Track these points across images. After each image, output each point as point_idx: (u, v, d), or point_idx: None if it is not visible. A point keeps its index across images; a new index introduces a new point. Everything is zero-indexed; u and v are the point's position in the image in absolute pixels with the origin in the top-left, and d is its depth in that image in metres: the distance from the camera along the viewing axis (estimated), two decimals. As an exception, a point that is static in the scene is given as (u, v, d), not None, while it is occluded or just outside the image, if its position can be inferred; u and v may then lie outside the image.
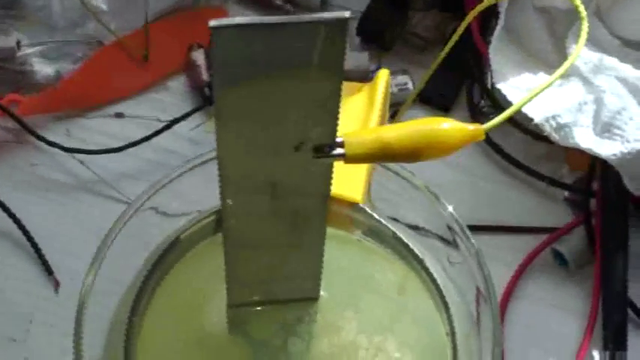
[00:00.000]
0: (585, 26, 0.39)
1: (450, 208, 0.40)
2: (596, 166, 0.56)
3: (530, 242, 0.58)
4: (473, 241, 0.39)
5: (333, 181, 0.35)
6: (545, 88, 0.36)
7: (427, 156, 0.33)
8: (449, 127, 0.34)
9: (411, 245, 0.42)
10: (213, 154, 0.33)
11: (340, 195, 0.40)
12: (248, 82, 0.30)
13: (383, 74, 0.43)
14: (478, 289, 0.40)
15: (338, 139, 0.33)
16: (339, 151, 0.33)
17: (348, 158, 0.33)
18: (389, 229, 0.42)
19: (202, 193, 0.41)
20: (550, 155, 0.61)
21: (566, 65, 0.36)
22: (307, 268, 0.40)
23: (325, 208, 0.36)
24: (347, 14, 0.28)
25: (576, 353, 0.53)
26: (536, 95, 0.36)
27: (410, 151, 0.33)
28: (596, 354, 0.54)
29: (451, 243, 0.40)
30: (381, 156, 0.33)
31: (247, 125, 0.32)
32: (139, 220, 0.41)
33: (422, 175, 0.60)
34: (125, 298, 0.41)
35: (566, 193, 0.60)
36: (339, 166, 0.34)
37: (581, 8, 0.40)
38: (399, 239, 0.42)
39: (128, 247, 0.41)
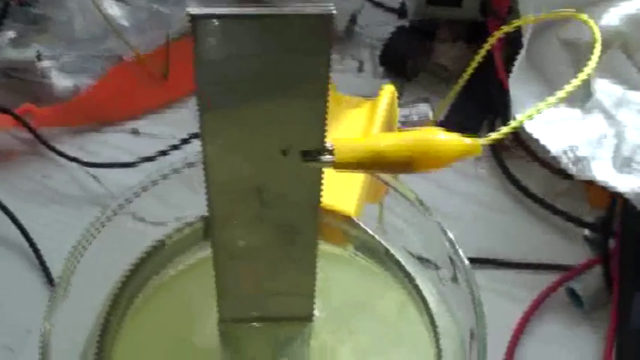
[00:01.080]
0: (598, 47, 0.37)
1: (450, 233, 0.39)
2: (617, 205, 0.55)
3: (546, 280, 0.56)
4: (466, 263, 0.38)
5: (325, 193, 0.34)
6: (552, 105, 0.35)
7: (420, 167, 0.32)
8: (444, 138, 0.32)
9: (405, 265, 0.40)
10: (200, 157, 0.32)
11: (332, 207, 0.39)
12: (232, 80, 0.29)
13: (387, 89, 0.42)
14: (472, 330, 0.38)
15: (327, 145, 0.31)
16: (327, 157, 0.31)
17: (337, 164, 0.31)
18: (383, 245, 0.40)
19: (188, 199, 0.40)
20: (571, 192, 0.59)
21: (581, 77, 0.35)
22: (300, 284, 0.39)
23: (316, 219, 0.35)
24: (332, 9, 0.27)
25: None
26: (539, 112, 0.35)
27: (402, 160, 0.32)
28: (608, 399, 0.52)
29: (447, 268, 0.39)
30: (371, 164, 0.32)
31: (233, 127, 0.31)
32: (116, 225, 0.40)
33: (440, 206, 0.59)
34: (99, 313, 0.40)
35: (586, 232, 0.58)
36: (331, 178, 0.33)
37: (598, 34, 0.39)
38: (393, 257, 0.40)
39: (105, 254, 0.40)
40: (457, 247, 0.37)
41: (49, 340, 0.36)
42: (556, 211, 0.58)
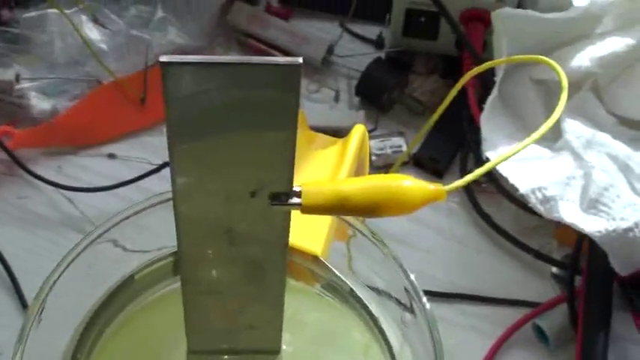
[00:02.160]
0: (565, 94, 0.38)
1: (411, 275, 0.39)
2: (584, 243, 0.55)
3: (512, 315, 0.56)
4: (427, 306, 0.38)
5: (293, 232, 0.34)
6: (521, 150, 0.35)
7: (385, 212, 0.33)
8: (409, 185, 0.33)
9: (369, 305, 0.41)
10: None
11: (300, 247, 0.39)
12: (201, 124, 0.30)
13: (357, 129, 0.43)
14: None
15: (296, 188, 0.32)
16: (295, 200, 0.32)
17: (304, 208, 0.32)
18: (348, 285, 0.41)
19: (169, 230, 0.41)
20: (539, 229, 0.60)
21: (547, 125, 0.36)
22: (268, 318, 0.39)
23: (285, 259, 0.35)
24: (300, 60, 0.28)
25: None
26: (508, 157, 0.36)
27: (368, 205, 0.32)
28: None
29: (408, 307, 0.39)
30: (338, 208, 0.33)
31: (203, 164, 0.31)
32: (93, 252, 0.40)
33: (410, 240, 0.59)
34: (66, 348, 0.40)
35: (553, 269, 0.59)
36: (300, 218, 0.34)
37: (564, 81, 0.40)
38: (358, 297, 0.41)
39: (78, 282, 0.40)
40: (419, 291, 0.38)
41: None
42: (525, 248, 0.59)
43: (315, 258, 0.40)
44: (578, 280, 0.56)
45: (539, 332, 0.56)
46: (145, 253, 0.43)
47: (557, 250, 0.59)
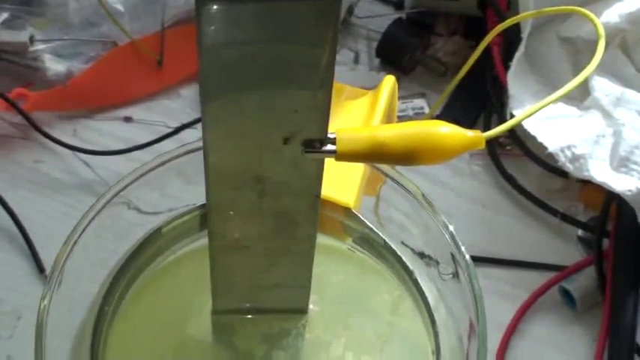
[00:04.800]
0: (602, 44, 0.37)
1: (450, 227, 0.38)
2: (611, 205, 0.54)
3: (538, 279, 0.55)
4: (467, 258, 0.37)
5: (325, 184, 0.33)
6: (551, 102, 0.34)
7: (422, 160, 0.31)
8: (447, 131, 0.32)
9: (404, 258, 0.40)
10: (198, 144, 0.32)
11: (332, 198, 0.38)
12: (236, 67, 0.28)
13: (388, 80, 0.42)
14: (471, 320, 0.38)
15: (330, 135, 0.31)
16: (330, 147, 0.31)
17: (339, 155, 0.31)
18: (382, 238, 0.40)
19: (183, 190, 0.40)
20: (565, 191, 0.59)
21: (577, 80, 0.34)
22: (297, 276, 0.38)
23: (316, 211, 0.34)
24: (339, -3, 0.27)
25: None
26: (539, 109, 0.34)
27: (405, 152, 0.31)
28: (598, 399, 0.51)
29: (446, 261, 0.38)
30: (374, 155, 0.31)
31: (235, 115, 0.30)
32: (110, 214, 0.39)
33: (433, 202, 0.58)
34: (94, 300, 0.39)
35: (579, 232, 0.57)
36: (332, 169, 0.32)
37: (601, 30, 0.39)
38: (392, 251, 0.40)
39: (98, 242, 0.39)
40: (459, 242, 0.37)
41: (44, 328, 0.36)
42: (550, 210, 0.58)
43: (347, 210, 0.39)
44: (605, 243, 0.55)
45: (566, 296, 0.55)
46: (159, 215, 0.42)
47: (583, 213, 0.58)
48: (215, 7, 0.27)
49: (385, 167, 0.40)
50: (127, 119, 0.63)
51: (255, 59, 0.28)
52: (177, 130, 0.60)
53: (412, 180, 0.40)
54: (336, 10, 0.27)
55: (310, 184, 0.33)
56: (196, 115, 0.61)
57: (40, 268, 0.55)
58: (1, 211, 0.57)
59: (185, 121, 0.61)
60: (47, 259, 0.55)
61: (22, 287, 0.55)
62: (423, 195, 0.39)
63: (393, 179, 0.40)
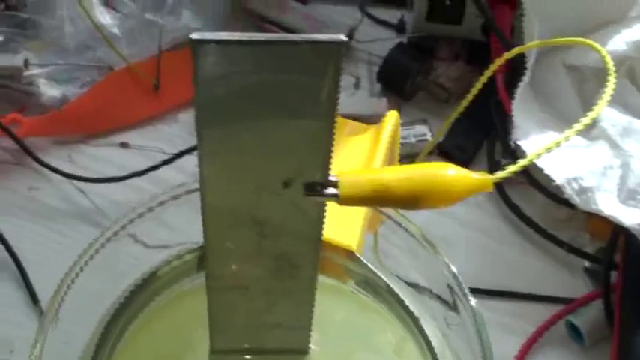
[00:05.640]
0: (612, 80, 0.36)
1: (453, 268, 0.37)
2: (619, 236, 0.53)
3: (544, 312, 0.54)
4: (473, 304, 0.36)
5: (326, 226, 0.32)
6: (563, 141, 0.33)
7: (428, 204, 0.30)
8: (454, 174, 0.31)
9: (408, 302, 0.38)
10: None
11: (334, 241, 0.37)
12: (232, 107, 0.27)
13: (391, 116, 0.41)
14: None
15: (332, 178, 0.30)
16: (332, 191, 0.30)
17: (342, 199, 0.30)
18: (385, 282, 0.39)
19: (190, 225, 0.39)
20: (571, 222, 0.58)
21: (589, 118, 0.33)
22: (297, 316, 0.37)
23: (317, 254, 0.33)
24: (343, 37, 0.25)
25: None
26: (551, 149, 0.33)
27: (410, 197, 0.30)
28: None
29: (451, 305, 0.37)
30: (378, 199, 0.30)
31: (232, 150, 0.29)
32: (113, 248, 0.38)
33: (435, 232, 0.57)
34: (92, 335, 0.38)
35: (586, 263, 0.56)
36: (334, 210, 0.31)
37: (610, 64, 0.38)
38: (396, 295, 0.39)
39: (98, 279, 0.38)
40: (463, 285, 0.36)
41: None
42: (556, 241, 0.57)
43: (349, 252, 0.38)
44: (613, 275, 0.53)
45: (573, 330, 0.53)
46: (165, 249, 0.41)
47: (590, 244, 0.57)
48: (211, 46, 0.26)
49: (387, 209, 0.39)
50: (124, 145, 0.62)
51: (253, 94, 0.27)
52: (173, 158, 0.59)
53: (412, 212, 0.39)
54: (341, 50, 0.26)
55: (311, 226, 0.32)
56: (194, 141, 0.60)
57: (34, 299, 0.54)
58: (-6, 239, 0.56)
59: (182, 146, 0.60)
60: (41, 289, 0.54)
61: (15, 317, 0.53)
62: (424, 236, 0.38)
63: (394, 220, 0.38)
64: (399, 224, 0.38)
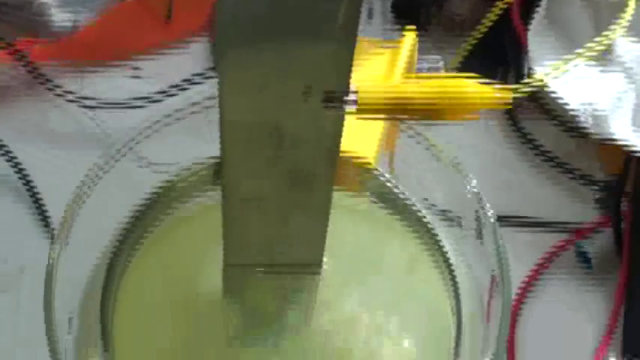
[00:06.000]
0: (631, 6, 0.36)
1: (474, 182, 0.37)
2: (631, 165, 0.53)
3: (553, 240, 0.54)
4: (493, 220, 0.36)
5: (345, 138, 0.32)
6: (578, 62, 0.33)
7: (447, 115, 0.31)
8: (475, 87, 0.31)
9: (425, 217, 0.39)
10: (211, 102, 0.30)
11: (351, 153, 0.37)
12: (254, 16, 0.27)
13: (410, 37, 0.41)
14: (493, 276, 0.37)
15: (351, 87, 0.30)
16: (351, 97, 0.30)
17: (360, 108, 0.30)
18: (401, 196, 0.39)
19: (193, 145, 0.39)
20: (582, 151, 0.58)
21: (605, 40, 0.33)
22: (311, 231, 0.37)
23: (334, 165, 0.33)
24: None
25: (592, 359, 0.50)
26: (567, 70, 0.33)
27: (428, 107, 0.30)
28: (613, 361, 0.51)
29: (468, 221, 0.37)
30: (397, 110, 0.30)
31: (252, 66, 0.29)
32: (122, 168, 0.38)
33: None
34: (104, 253, 0.38)
35: (597, 193, 0.56)
36: (352, 123, 0.31)
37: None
38: (413, 209, 0.39)
39: (107, 197, 0.38)
40: (483, 200, 0.36)
41: (53, 280, 0.35)
42: (567, 170, 0.57)
43: (366, 165, 0.38)
44: (624, 205, 0.53)
45: (582, 257, 0.54)
46: (171, 170, 0.41)
47: (601, 174, 0.57)
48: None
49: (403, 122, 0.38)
50: (135, 72, 0.61)
51: (275, 8, 0.27)
52: (186, 85, 0.59)
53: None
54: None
55: (329, 138, 0.32)
56: (206, 70, 0.60)
57: (46, 222, 0.54)
58: (5, 163, 0.56)
59: (195, 72, 0.60)
60: (52, 213, 0.54)
61: (26, 240, 0.54)
62: (442, 150, 0.38)
63: (411, 134, 0.38)
64: (416, 136, 0.38)
